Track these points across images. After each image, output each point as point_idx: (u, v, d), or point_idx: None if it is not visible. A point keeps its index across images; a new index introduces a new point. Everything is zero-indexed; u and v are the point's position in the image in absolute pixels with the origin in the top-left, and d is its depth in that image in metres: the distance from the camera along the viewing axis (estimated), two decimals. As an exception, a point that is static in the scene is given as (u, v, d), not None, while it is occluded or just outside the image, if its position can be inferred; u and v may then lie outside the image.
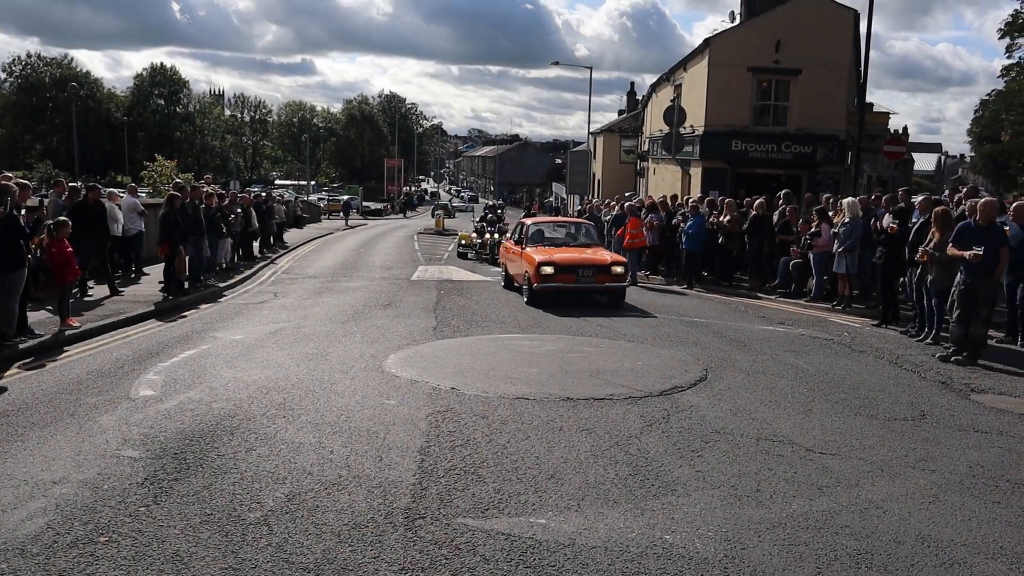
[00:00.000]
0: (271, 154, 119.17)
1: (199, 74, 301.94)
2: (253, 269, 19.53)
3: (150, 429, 6.46)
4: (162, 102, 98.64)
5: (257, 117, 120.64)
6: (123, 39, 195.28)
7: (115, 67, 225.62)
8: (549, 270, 13.77)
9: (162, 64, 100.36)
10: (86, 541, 4.48)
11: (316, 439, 6.32)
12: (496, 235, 23.85)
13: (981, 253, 9.45)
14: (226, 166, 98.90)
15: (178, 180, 20.66)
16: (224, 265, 18.15)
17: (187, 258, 14.21)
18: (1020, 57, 45.32)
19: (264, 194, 29.46)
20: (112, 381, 8.12)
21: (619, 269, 14.15)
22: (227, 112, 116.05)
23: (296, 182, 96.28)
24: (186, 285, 14.32)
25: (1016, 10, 44.02)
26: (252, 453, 5.95)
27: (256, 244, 22.96)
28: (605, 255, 14.85)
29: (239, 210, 19.95)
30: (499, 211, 29.28)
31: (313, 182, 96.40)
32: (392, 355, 9.55)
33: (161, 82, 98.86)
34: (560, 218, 24.25)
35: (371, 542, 4.53)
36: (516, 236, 16.60)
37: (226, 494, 5.16)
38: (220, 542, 4.49)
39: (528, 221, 17.33)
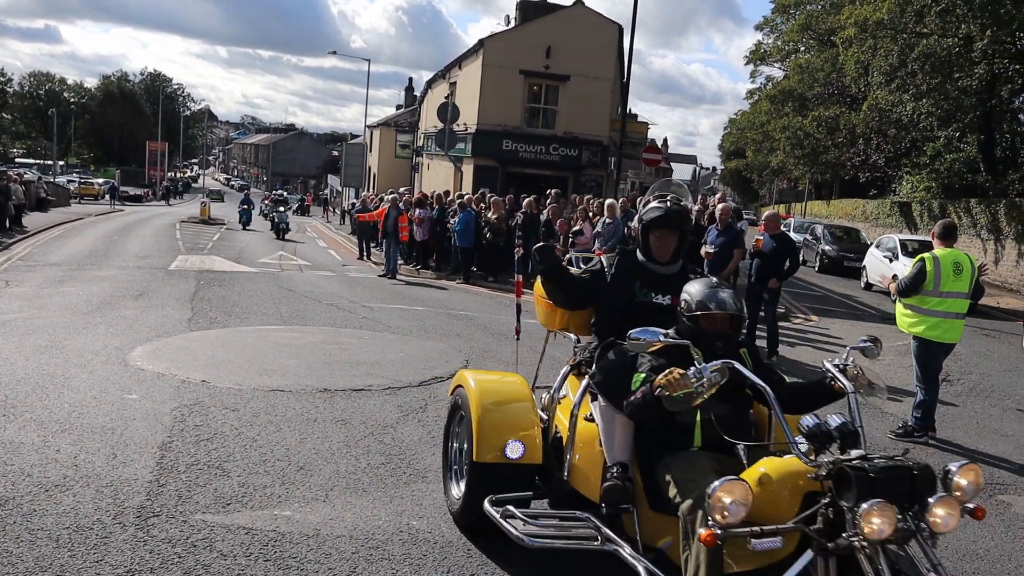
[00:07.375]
0: (11, 129, 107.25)
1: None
2: (-18, 254, 17.56)
3: None
4: None
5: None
6: None
7: None
8: None
9: None
10: None
11: (41, 438, 5.76)
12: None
13: (712, 252, 10.51)
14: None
15: None
16: (-55, 249, 16.18)
17: None
18: (761, 83, 50.37)
19: (-1, 172, 26.50)
20: None
21: None
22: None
23: (42, 161, 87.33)
24: None
25: (758, 41, 49.09)
26: (-39, 455, 5.33)
27: (-12, 227, 20.65)
28: None
29: (-34, 188, 17.87)
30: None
31: (62, 162, 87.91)
32: (139, 347, 8.91)
33: None
34: None
35: (94, 545, 4.19)
36: None
37: (-77, 501, 4.59)
38: (-90, 554, 3.98)
39: None
